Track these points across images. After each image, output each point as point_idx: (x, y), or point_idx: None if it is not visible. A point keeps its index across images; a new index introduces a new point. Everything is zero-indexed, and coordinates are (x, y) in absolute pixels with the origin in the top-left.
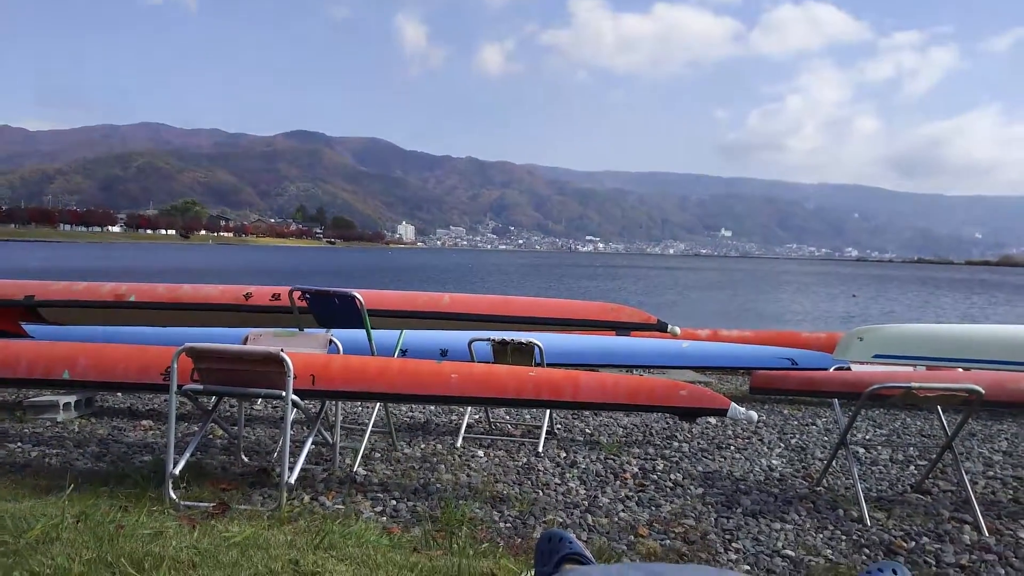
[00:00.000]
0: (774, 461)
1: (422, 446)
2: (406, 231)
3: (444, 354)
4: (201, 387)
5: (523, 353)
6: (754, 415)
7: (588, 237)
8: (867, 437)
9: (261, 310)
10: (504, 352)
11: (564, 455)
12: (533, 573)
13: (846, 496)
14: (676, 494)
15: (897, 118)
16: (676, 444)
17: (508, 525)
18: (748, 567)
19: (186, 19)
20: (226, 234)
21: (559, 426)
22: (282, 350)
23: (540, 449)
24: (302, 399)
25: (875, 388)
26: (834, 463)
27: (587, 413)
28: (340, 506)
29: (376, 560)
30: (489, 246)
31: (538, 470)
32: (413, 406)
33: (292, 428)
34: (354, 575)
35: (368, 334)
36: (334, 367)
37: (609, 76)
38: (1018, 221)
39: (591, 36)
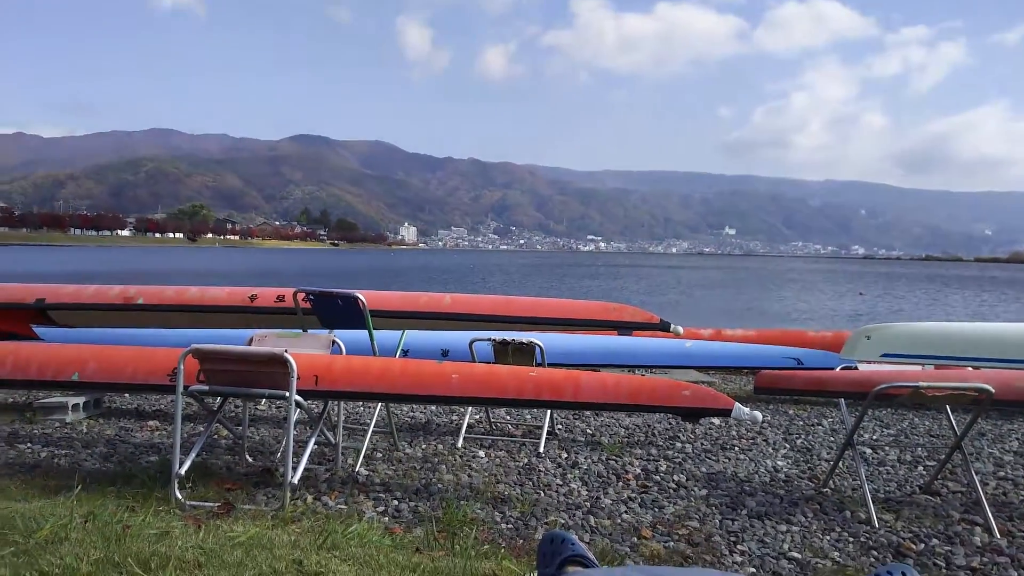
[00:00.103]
0: (779, 462)
1: (423, 446)
2: (408, 232)
3: (445, 354)
4: (207, 388)
5: (524, 353)
6: (759, 415)
7: (590, 237)
8: (874, 437)
9: (266, 311)
10: (505, 352)
11: (565, 456)
12: (535, 575)
13: (853, 497)
14: (679, 495)
15: (904, 114)
16: (679, 445)
17: (510, 526)
18: (753, 569)
19: (195, 27)
20: (232, 237)
21: (560, 426)
22: (286, 351)
23: (541, 450)
24: (305, 399)
25: (883, 387)
26: (841, 464)
27: (588, 413)
28: (343, 506)
29: (379, 560)
30: (490, 246)
31: (539, 471)
32: (414, 406)
33: (295, 428)
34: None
35: (370, 335)
36: (337, 368)
37: (611, 76)
38: None
39: (593, 37)
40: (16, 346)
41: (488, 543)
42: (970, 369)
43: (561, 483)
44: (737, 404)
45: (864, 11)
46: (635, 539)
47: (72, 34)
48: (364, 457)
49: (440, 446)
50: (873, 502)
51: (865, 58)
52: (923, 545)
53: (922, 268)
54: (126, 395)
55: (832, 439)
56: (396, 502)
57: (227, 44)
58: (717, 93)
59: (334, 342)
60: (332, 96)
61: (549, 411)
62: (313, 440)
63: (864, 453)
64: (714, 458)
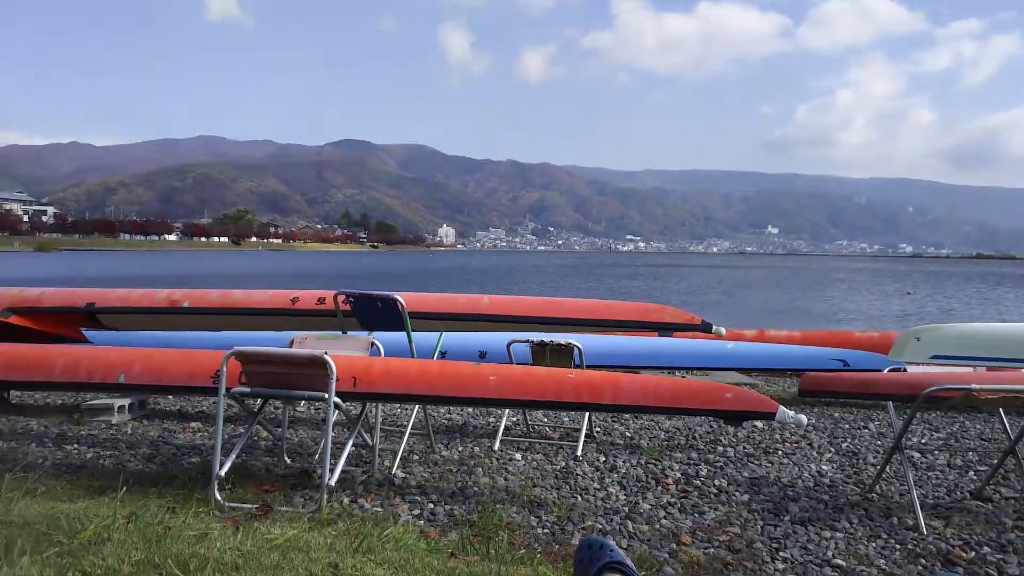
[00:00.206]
0: (824, 466)
1: (460, 448)
2: (446, 234)
3: (483, 356)
4: (248, 390)
5: (562, 355)
6: (803, 419)
7: (629, 237)
8: (923, 441)
9: (307, 314)
10: (543, 354)
11: (603, 459)
12: None
13: (901, 503)
14: (720, 500)
15: (953, 109)
16: (720, 448)
17: (546, 531)
18: None
19: (243, 36)
20: (275, 240)
21: (598, 429)
22: (325, 353)
23: (579, 453)
24: (344, 401)
25: (933, 389)
26: (888, 468)
27: (627, 416)
28: (379, 509)
29: (414, 565)
30: (528, 247)
31: (577, 474)
32: (451, 408)
33: (333, 430)
34: None
35: (408, 336)
36: (375, 369)
37: (651, 77)
38: None
39: (633, 38)
40: (66, 349)
41: (524, 548)
42: None
43: (599, 487)
44: (781, 407)
45: (912, 6)
46: (674, 545)
47: (125, 46)
48: (400, 459)
49: (476, 449)
50: (921, 508)
51: (913, 53)
52: (974, 553)
53: (972, 266)
54: (170, 397)
55: (879, 443)
56: (432, 505)
57: (275, 53)
58: (759, 91)
59: (373, 344)
60: (375, 102)
61: (587, 414)
62: (351, 442)
63: (912, 457)
64: (756, 462)
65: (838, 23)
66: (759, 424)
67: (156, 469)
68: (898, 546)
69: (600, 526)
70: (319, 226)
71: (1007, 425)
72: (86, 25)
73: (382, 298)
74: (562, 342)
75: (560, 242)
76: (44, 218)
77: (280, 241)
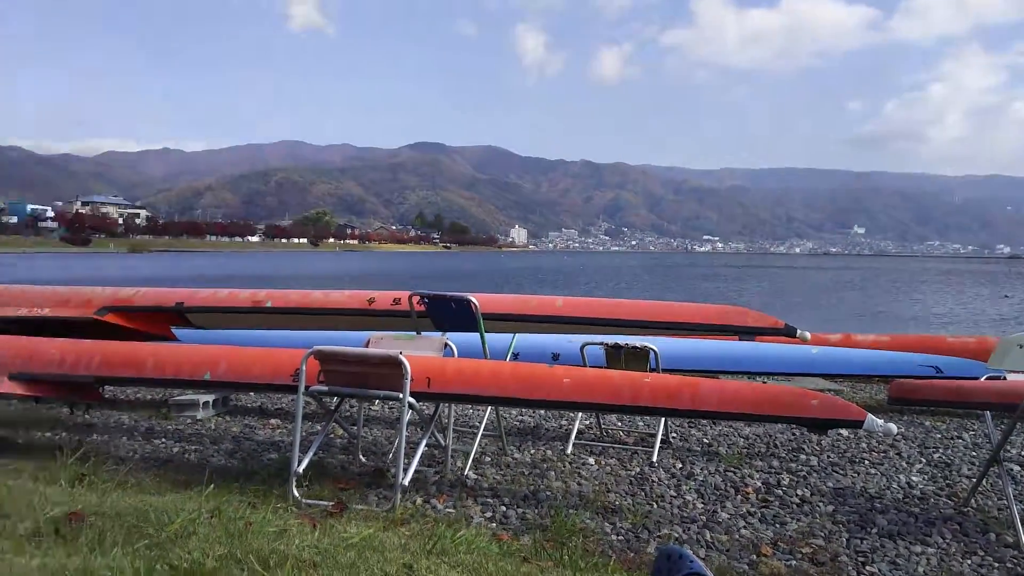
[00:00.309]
0: (914, 477)
1: (532, 451)
2: (518, 234)
3: (556, 358)
4: (326, 388)
5: (638, 358)
6: (893, 427)
7: (706, 237)
8: (1023, 453)
9: (383, 314)
10: (618, 357)
11: (680, 466)
12: None
13: (999, 519)
14: (803, 511)
15: None
16: (803, 457)
17: (620, 538)
18: None
19: (325, 43)
20: (351, 241)
21: (674, 435)
22: (400, 353)
23: (654, 459)
24: (418, 401)
25: None
26: (985, 481)
27: (705, 422)
28: (451, 510)
29: (488, 569)
30: (601, 248)
31: (652, 481)
32: (523, 410)
33: (406, 430)
34: None
35: (482, 338)
36: (449, 370)
37: (731, 73)
38: None
39: (713, 34)
40: (156, 347)
41: (598, 555)
42: None
43: (675, 494)
44: (870, 415)
45: None
46: (754, 556)
47: (216, 57)
48: (473, 461)
49: (549, 452)
50: (1022, 524)
51: (1015, 44)
52: None
53: None
54: (251, 394)
55: (974, 454)
56: (504, 508)
57: (355, 60)
58: (845, 87)
59: (446, 344)
60: (450, 105)
61: (664, 419)
62: (424, 442)
63: (1012, 470)
64: (841, 472)
65: (931, 14)
66: (844, 432)
67: (237, 464)
68: (996, 564)
69: (677, 535)
70: (394, 227)
71: None
72: (181, 38)
73: (456, 299)
74: (638, 345)
75: (634, 242)
76: (137, 220)
77: (356, 242)
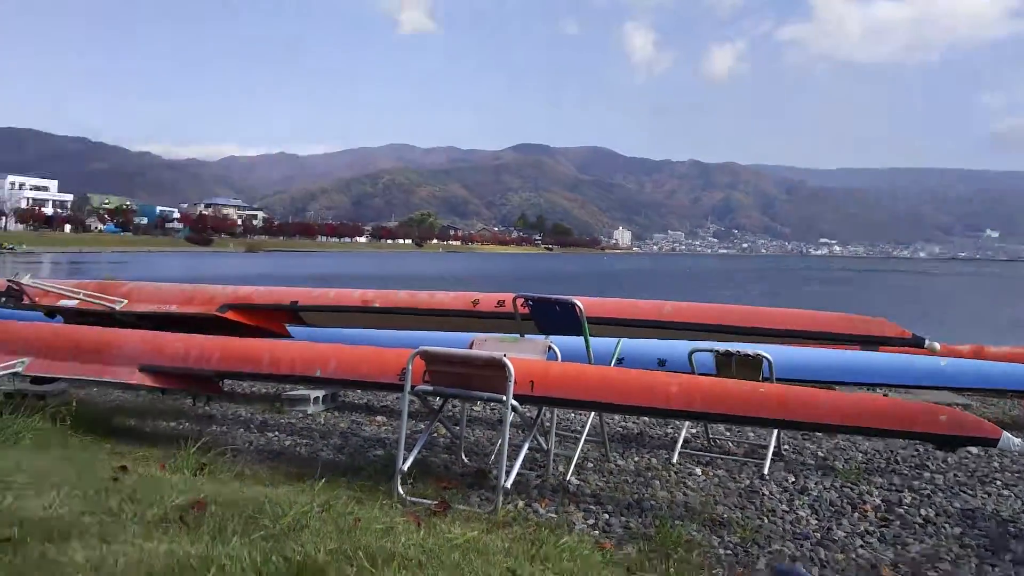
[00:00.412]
0: None
1: (635, 459)
2: (622, 236)
3: (662, 364)
4: (431, 388)
5: (750, 366)
6: None
7: (822, 240)
8: None
9: (486, 316)
10: (728, 365)
11: (792, 479)
12: None
13: None
14: (927, 532)
15: None
16: (927, 475)
17: (728, 552)
18: None
19: (433, 48)
20: (454, 242)
21: (787, 446)
22: (504, 355)
23: (765, 471)
24: (521, 404)
25: None
26: None
27: (819, 434)
28: (553, 515)
29: None
30: (709, 250)
31: (763, 494)
32: (626, 416)
33: (508, 432)
34: None
35: (586, 342)
36: (553, 374)
37: (853, 68)
38: None
39: (834, 28)
40: (272, 344)
41: (705, 568)
42: None
43: (787, 509)
44: (1005, 433)
45: None
46: None
47: (329, 65)
48: (575, 466)
49: (653, 460)
50: None
51: None
52: None
53: None
54: (358, 391)
55: None
56: (607, 516)
57: (461, 63)
58: (981, 80)
59: (550, 348)
60: (554, 106)
61: (776, 430)
62: (527, 445)
63: None
64: (970, 492)
65: None
66: (973, 450)
67: (345, 460)
68: None
69: (789, 551)
70: (496, 228)
71: None
72: (298, 48)
73: (560, 302)
74: (750, 353)
75: (745, 245)
76: (254, 221)
77: (459, 243)
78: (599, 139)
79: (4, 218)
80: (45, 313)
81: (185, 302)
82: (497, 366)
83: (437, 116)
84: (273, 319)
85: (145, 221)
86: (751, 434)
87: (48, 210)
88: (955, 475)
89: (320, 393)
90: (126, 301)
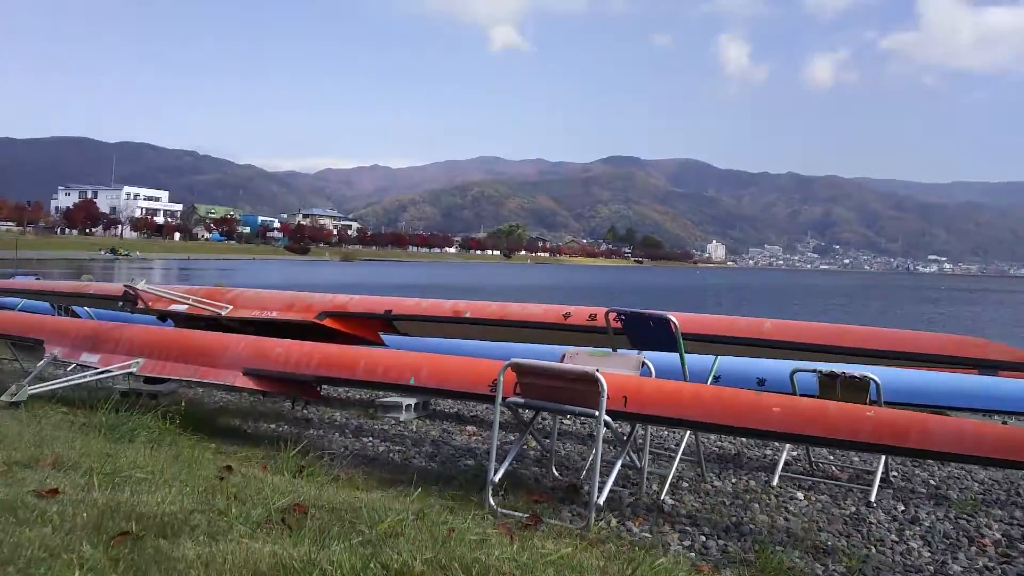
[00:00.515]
0: None
1: (733, 480)
2: (715, 250)
3: (761, 383)
4: (522, 400)
5: (856, 389)
6: None
7: (932, 256)
8: None
9: (578, 329)
10: (832, 386)
11: (902, 508)
12: None
13: None
14: None
15: None
16: None
17: None
18: None
19: (523, 63)
20: (542, 254)
21: (895, 473)
22: (597, 370)
23: (872, 498)
24: (613, 419)
25: None
26: None
27: (931, 461)
28: (647, 534)
29: None
30: (809, 266)
31: (870, 522)
32: (722, 436)
33: (600, 447)
34: None
35: (682, 358)
36: (647, 390)
37: (963, 77)
38: None
39: (943, 36)
40: (367, 351)
41: None
42: None
43: (897, 540)
44: None
45: None
46: None
47: (424, 81)
48: (670, 485)
49: (752, 482)
50: None
51: None
52: None
53: None
54: (449, 400)
55: None
56: (703, 537)
57: (551, 77)
58: None
59: (644, 363)
60: (645, 118)
61: (884, 456)
62: (620, 462)
63: None
64: None
65: None
66: None
67: (437, 468)
68: None
69: None
70: (584, 241)
71: None
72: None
73: (654, 317)
74: (856, 374)
75: (847, 261)
76: (349, 232)
77: (547, 255)
78: (692, 151)
79: (120, 226)
80: (158, 317)
81: (285, 308)
82: (589, 380)
83: (526, 129)
84: (368, 327)
85: (248, 230)
86: (856, 458)
87: (159, 219)
88: None
89: (412, 401)
90: (231, 307)
